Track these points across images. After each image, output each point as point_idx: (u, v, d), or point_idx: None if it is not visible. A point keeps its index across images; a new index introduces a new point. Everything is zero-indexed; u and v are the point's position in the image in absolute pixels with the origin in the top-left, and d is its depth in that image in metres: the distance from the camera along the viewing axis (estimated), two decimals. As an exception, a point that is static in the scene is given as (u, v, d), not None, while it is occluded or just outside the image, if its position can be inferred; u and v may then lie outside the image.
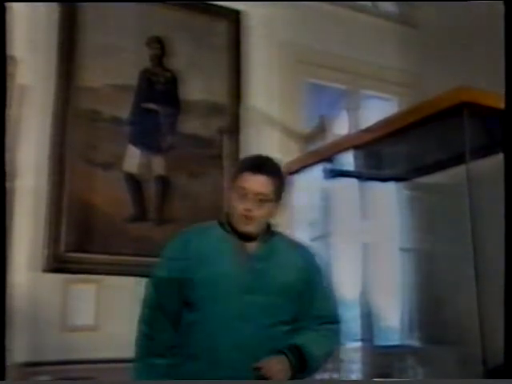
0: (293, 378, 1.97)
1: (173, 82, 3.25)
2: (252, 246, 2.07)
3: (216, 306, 1.98)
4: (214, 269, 2.01)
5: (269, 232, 2.12)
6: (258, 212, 2.02)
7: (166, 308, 2.03)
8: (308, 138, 3.53)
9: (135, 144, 3.07)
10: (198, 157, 3.20)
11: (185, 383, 1.92)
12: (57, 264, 2.79)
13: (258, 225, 2.04)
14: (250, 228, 2.03)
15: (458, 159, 2.63)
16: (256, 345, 1.95)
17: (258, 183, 2.02)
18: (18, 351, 2.53)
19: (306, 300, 2.09)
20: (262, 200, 2.02)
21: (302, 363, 1.99)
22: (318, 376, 2.45)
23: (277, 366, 1.93)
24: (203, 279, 1.99)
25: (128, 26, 3.16)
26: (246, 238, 2.06)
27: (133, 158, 3.06)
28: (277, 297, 2.02)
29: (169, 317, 2.03)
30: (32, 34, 2.90)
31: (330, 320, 2.15)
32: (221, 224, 2.11)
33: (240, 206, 2.02)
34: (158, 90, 3.21)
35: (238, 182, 2.05)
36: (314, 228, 3.35)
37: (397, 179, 3.57)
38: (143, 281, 2.87)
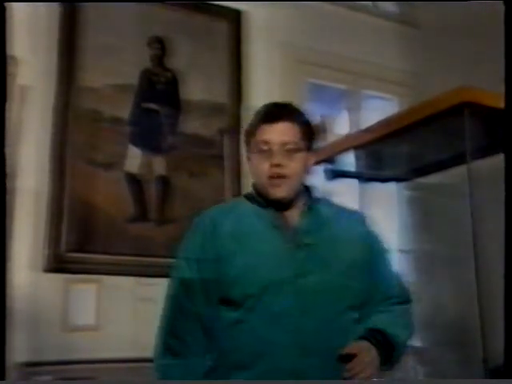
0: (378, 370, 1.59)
1: (173, 82, 3.25)
2: (293, 218, 1.68)
3: (264, 299, 1.57)
4: (256, 252, 1.62)
5: (310, 197, 1.73)
6: (290, 166, 1.63)
7: (192, 310, 1.66)
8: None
9: (136, 144, 3.07)
10: (198, 157, 3.20)
11: (190, 383, 1.64)
12: (57, 264, 2.78)
13: (291, 185, 1.65)
14: (282, 191, 1.64)
15: (458, 159, 2.63)
16: (321, 341, 1.55)
17: (281, 131, 1.65)
18: (19, 351, 2.53)
19: (372, 277, 1.70)
20: (290, 150, 1.64)
21: (387, 350, 1.61)
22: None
23: (368, 356, 1.54)
24: (245, 268, 1.60)
25: (128, 26, 3.16)
26: (281, 206, 1.67)
27: (133, 158, 3.05)
28: (339, 276, 1.62)
29: (198, 319, 1.65)
30: (32, 34, 2.90)
31: (402, 299, 1.76)
32: (249, 198, 1.74)
33: (266, 166, 1.64)
34: (159, 90, 3.21)
35: (257, 137, 1.67)
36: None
37: (397, 179, 3.57)
38: (143, 281, 2.90)
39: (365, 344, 1.58)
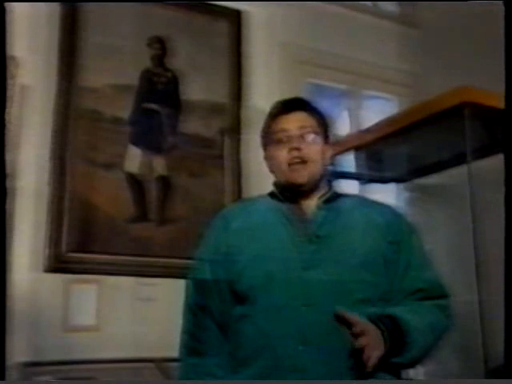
0: (387, 359, 1.46)
1: (174, 82, 3.24)
2: (310, 210, 1.66)
3: (268, 292, 1.55)
4: (263, 245, 1.61)
5: (330, 190, 1.72)
6: (308, 150, 1.63)
7: (208, 310, 1.67)
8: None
9: (136, 144, 3.07)
10: (199, 157, 3.20)
11: (190, 383, 1.67)
12: (58, 264, 2.78)
13: (311, 171, 1.64)
14: (302, 176, 1.62)
15: (459, 159, 2.63)
16: (325, 336, 1.48)
17: (298, 119, 1.67)
18: (19, 351, 2.53)
19: (396, 270, 1.62)
20: (308, 135, 1.65)
21: (398, 339, 1.48)
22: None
23: (374, 333, 1.44)
24: (251, 261, 1.60)
25: (129, 27, 3.15)
26: (301, 194, 1.66)
27: (134, 158, 3.05)
28: (351, 269, 1.56)
29: (215, 317, 1.67)
30: (33, 34, 2.90)
31: (433, 294, 1.65)
32: (271, 195, 1.75)
33: (284, 152, 1.63)
34: (159, 90, 3.21)
35: (274, 129, 1.68)
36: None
37: (398, 180, 3.57)
38: (144, 281, 2.90)
39: (367, 324, 1.45)
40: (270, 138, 1.71)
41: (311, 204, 1.68)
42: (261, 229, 1.65)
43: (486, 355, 2.26)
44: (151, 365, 2.67)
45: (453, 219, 3.13)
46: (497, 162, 2.15)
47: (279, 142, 1.66)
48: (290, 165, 1.64)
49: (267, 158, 1.75)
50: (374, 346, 1.42)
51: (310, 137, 1.66)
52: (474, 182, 2.38)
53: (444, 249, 3.24)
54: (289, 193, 1.69)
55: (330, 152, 1.74)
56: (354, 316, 1.43)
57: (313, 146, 1.65)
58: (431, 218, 3.43)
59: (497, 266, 1.78)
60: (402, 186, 3.60)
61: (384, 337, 1.46)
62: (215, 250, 1.69)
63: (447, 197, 3.29)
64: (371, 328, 1.45)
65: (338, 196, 1.73)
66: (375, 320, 1.49)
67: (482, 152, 2.60)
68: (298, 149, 1.63)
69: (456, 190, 2.83)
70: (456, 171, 2.85)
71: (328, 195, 1.70)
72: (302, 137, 1.65)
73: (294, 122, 1.66)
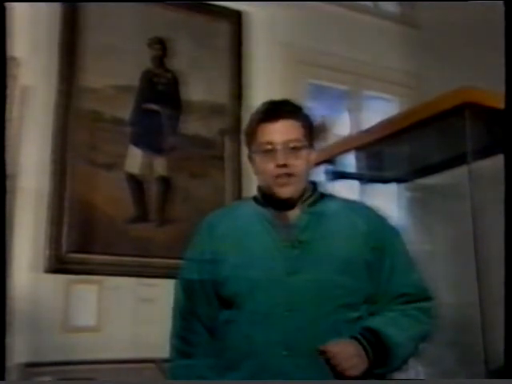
0: (369, 372, 1.51)
1: (174, 82, 3.25)
2: (294, 215, 1.65)
3: (253, 297, 1.57)
4: (247, 252, 1.62)
5: (314, 193, 1.70)
6: (295, 165, 1.61)
7: (199, 312, 1.69)
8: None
9: (137, 145, 3.07)
10: (199, 158, 3.20)
11: (189, 383, 1.67)
12: (58, 265, 2.78)
13: (298, 184, 1.63)
14: (290, 190, 1.61)
15: (459, 160, 2.63)
16: (308, 341, 1.50)
17: (284, 129, 1.62)
18: (20, 352, 2.53)
19: (380, 275, 1.63)
20: (295, 148, 1.61)
21: (380, 352, 1.53)
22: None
23: (347, 351, 1.47)
24: (235, 267, 1.61)
25: (129, 27, 3.16)
26: (287, 205, 1.65)
27: (134, 159, 3.06)
28: (334, 274, 1.56)
29: (203, 321, 1.68)
30: (33, 34, 2.91)
31: (418, 297, 1.66)
32: (255, 199, 1.74)
33: (271, 166, 1.61)
34: (160, 90, 3.21)
35: (259, 139, 1.64)
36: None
37: (398, 180, 3.57)
38: (144, 281, 2.91)
39: (348, 341, 1.51)
40: (255, 145, 1.68)
41: (295, 209, 1.67)
42: (245, 235, 1.66)
43: (487, 356, 2.25)
44: (152, 365, 2.67)
45: (453, 219, 3.12)
46: (497, 162, 2.16)
47: (265, 152, 1.63)
48: (276, 178, 1.62)
49: (252, 161, 1.72)
50: (355, 367, 1.47)
51: (296, 150, 1.63)
52: (474, 182, 2.38)
53: (444, 249, 3.24)
54: (273, 203, 1.68)
55: (314, 156, 1.71)
56: (332, 346, 1.46)
57: (299, 160, 1.63)
58: (432, 218, 3.43)
59: (497, 266, 1.78)
60: (402, 186, 3.60)
61: (367, 354, 1.51)
62: (200, 256, 1.70)
63: (448, 197, 3.28)
64: (350, 344, 1.51)
65: (322, 198, 1.72)
66: (358, 338, 1.53)
67: (483, 152, 2.60)
68: (284, 165, 1.60)
69: (456, 191, 2.83)
70: (457, 171, 2.85)
71: (312, 199, 1.69)
72: (287, 150, 1.61)
73: (279, 133, 1.62)
